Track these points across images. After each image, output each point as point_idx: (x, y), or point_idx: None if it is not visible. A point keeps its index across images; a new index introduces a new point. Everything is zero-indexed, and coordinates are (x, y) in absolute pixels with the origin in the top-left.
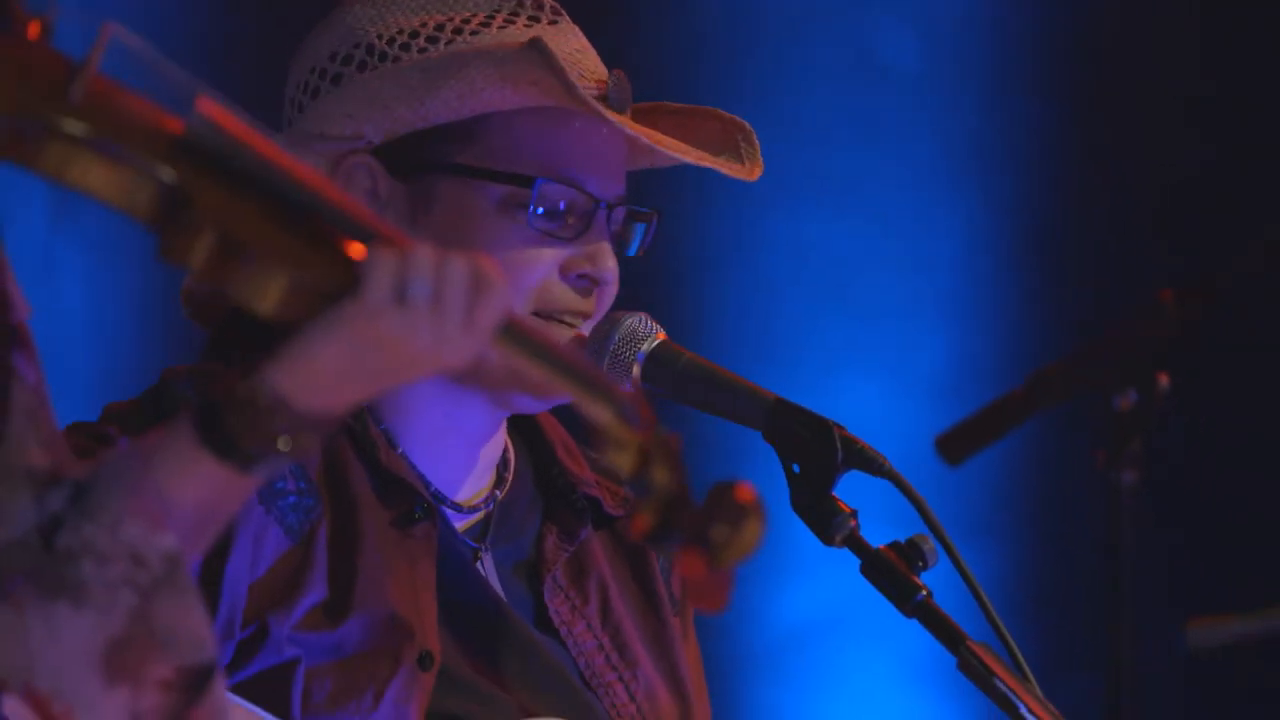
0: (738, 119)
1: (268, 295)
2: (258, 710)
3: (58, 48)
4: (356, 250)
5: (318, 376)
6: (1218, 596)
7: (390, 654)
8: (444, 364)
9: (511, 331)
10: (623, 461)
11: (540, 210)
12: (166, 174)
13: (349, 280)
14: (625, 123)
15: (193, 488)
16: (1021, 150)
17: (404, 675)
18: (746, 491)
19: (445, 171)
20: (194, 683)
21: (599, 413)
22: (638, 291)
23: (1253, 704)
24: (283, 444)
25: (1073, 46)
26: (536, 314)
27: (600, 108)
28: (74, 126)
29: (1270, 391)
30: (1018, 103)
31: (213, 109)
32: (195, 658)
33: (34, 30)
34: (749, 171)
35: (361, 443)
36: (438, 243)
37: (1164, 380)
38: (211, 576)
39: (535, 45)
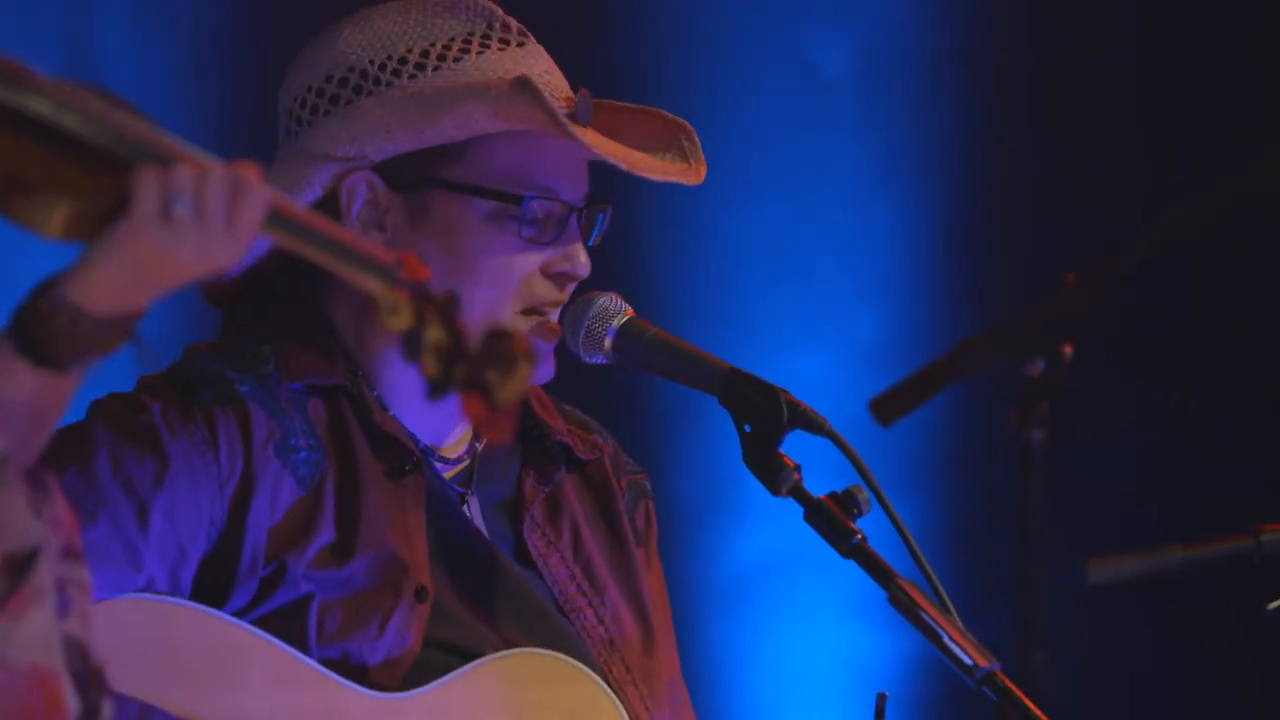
0: (680, 120)
1: (52, 223)
2: (279, 643)
3: None
4: (121, 174)
5: (104, 288)
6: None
7: (391, 589)
8: (215, 266)
9: (277, 219)
10: (398, 324)
11: (530, 223)
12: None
13: (118, 202)
14: (600, 146)
15: (17, 392)
16: (944, 151)
17: (403, 607)
18: (518, 339)
19: (439, 186)
20: (19, 566)
21: (368, 283)
22: (611, 275)
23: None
24: (86, 343)
25: (988, 62)
26: (523, 311)
27: (578, 135)
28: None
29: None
30: (941, 109)
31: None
32: (19, 544)
33: None
34: (696, 172)
35: (359, 407)
36: (434, 248)
37: (1068, 350)
38: (236, 522)
39: (525, 85)
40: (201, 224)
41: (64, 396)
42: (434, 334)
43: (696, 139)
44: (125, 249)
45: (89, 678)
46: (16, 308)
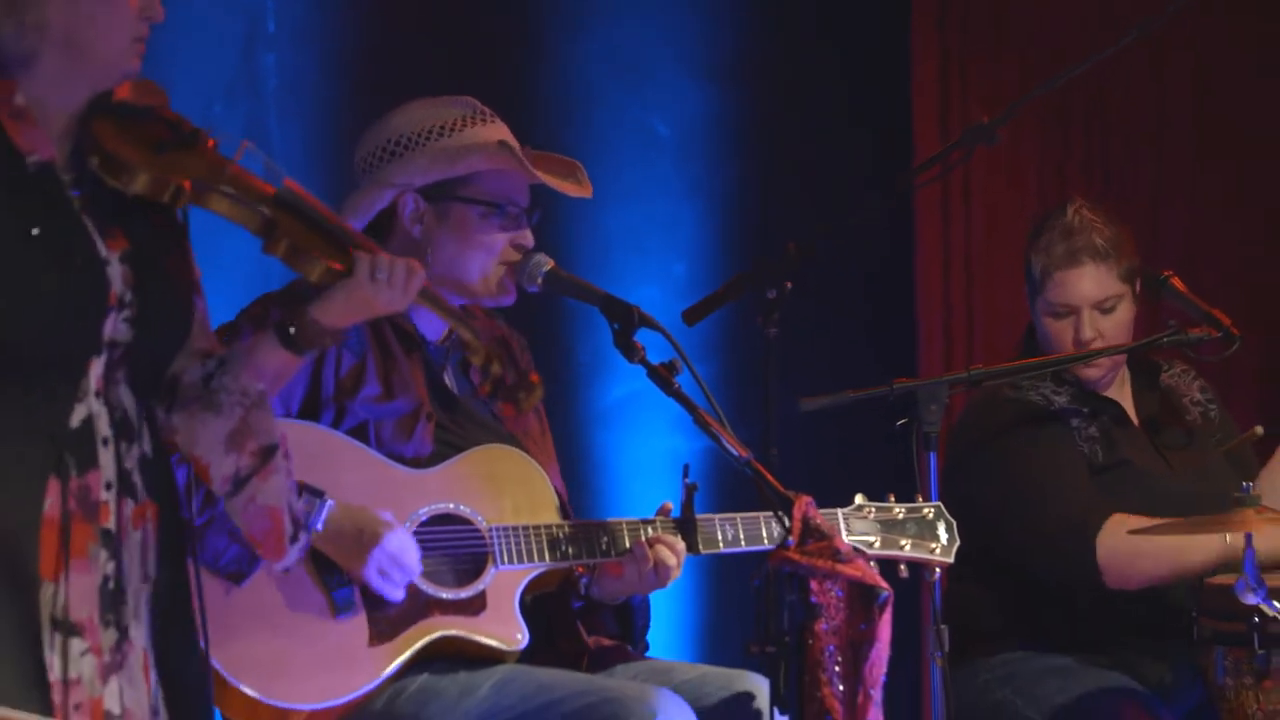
0: (576, 161)
1: (314, 273)
2: (357, 442)
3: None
4: (351, 254)
5: (335, 314)
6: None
7: (414, 414)
8: (391, 310)
9: (425, 294)
10: (476, 359)
11: (503, 218)
12: (267, 211)
13: (349, 268)
14: (545, 178)
15: (274, 363)
16: (726, 175)
17: (421, 424)
18: (534, 376)
19: (455, 200)
20: (268, 453)
21: (464, 333)
22: (538, 246)
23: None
24: (317, 341)
25: (754, 126)
26: (499, 264)
27: (537, 173)
28: (226, 188)
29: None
30: (725, 153)
31: (292, 184)
32: (268, 441)
33: (208, 143)
34: (587, 191)
35: (391, 317)
36: (452, 236)
37: (789, 285)
38: (316, 376)
39: (504, 144)
40: (390, 286)
41: (294, 369)
42: (495, 368)
43: (585, 172)
44: (352, 294)
45: (296, 514)
46: (283, 320)
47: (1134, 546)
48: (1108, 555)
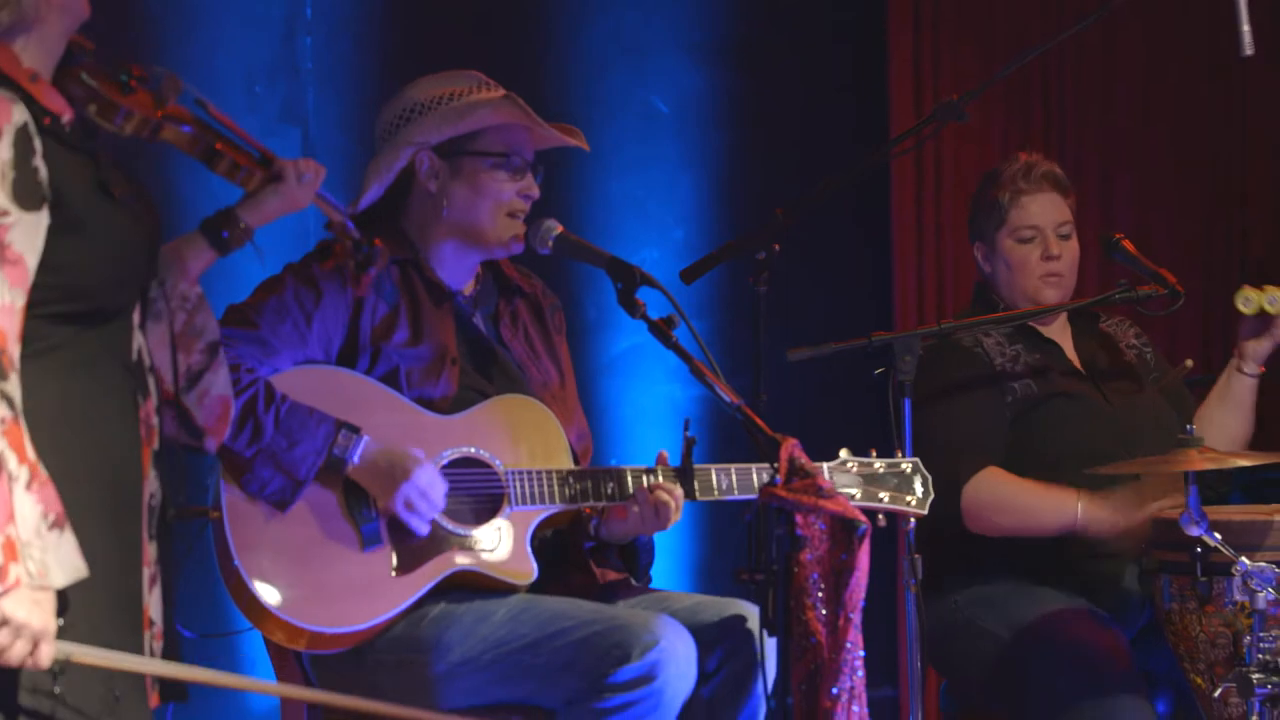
0: (575, 128)
1: (251, 183)
2: (388, 387)
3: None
4: (275, 162)
5: (261, 213)
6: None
7: (440, 359)
8: (301, 207)
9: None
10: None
11: (510, 169)
12: (207, 136)
13: (276, 176)
14: (545, 129)
15: (200, 265)
16: (721, 145)
17: (448, 368)
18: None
19: (466, 154)
20: (213, 350)
21: (334, 215)
22: (547, 212)
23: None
24: (244, 242)
25: (747, 108)
26: (507, 215)
27: (543, 125)
28: (174, 120)
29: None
30: (720, 126)
31: (209, 105)
32: (212, 338)
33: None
34: (583, 144)
35: (419, 269)
36: (463, 186)
37: (776, 247)
38: (354, 324)
39: (510, 97)
40: (309, 186)
41: (208, 266)
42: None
43: (582, 134)
44: (284, 196)
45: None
46: (211, 220)
47: (996, 501)
48: (970, 504)
